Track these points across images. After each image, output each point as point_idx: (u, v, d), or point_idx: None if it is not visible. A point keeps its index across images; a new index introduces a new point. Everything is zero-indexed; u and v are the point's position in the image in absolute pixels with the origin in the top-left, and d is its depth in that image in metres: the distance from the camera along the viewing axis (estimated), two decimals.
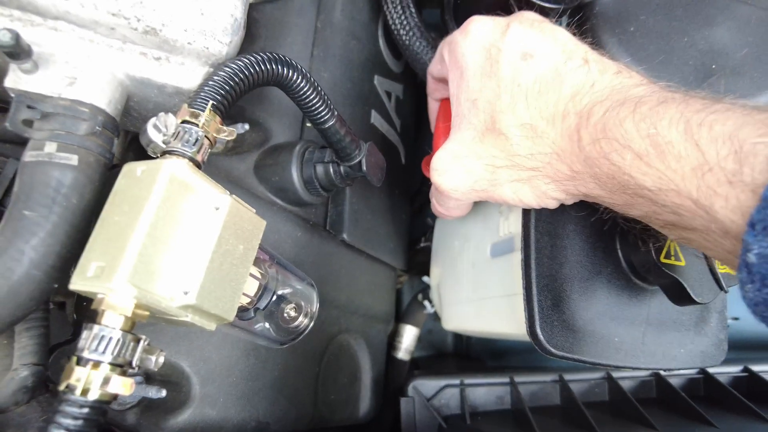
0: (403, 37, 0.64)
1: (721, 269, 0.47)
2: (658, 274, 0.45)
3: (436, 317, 0.78)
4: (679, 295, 0.45)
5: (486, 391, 0.63)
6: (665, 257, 0.44)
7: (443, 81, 0.52)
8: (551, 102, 0.37)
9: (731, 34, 0.57)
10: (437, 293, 0.74)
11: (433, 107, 0.59)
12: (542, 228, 0.47)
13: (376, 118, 0.68)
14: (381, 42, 0.72)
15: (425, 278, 0.79)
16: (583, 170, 0.35)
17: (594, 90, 0.35)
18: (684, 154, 0.29)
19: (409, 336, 0.82)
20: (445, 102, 0.58)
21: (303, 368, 0.55)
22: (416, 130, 0.81)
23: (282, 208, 0.55)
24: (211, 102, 0.36)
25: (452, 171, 0.43)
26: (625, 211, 0.36)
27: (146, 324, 0.45)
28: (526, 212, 0.47)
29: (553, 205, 0.42)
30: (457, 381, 0.62)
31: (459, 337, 0.97)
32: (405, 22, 0.64)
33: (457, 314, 0.67)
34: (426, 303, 0.79)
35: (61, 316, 0.52)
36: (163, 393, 0.44)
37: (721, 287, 0.45)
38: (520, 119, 0.38)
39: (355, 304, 0.64)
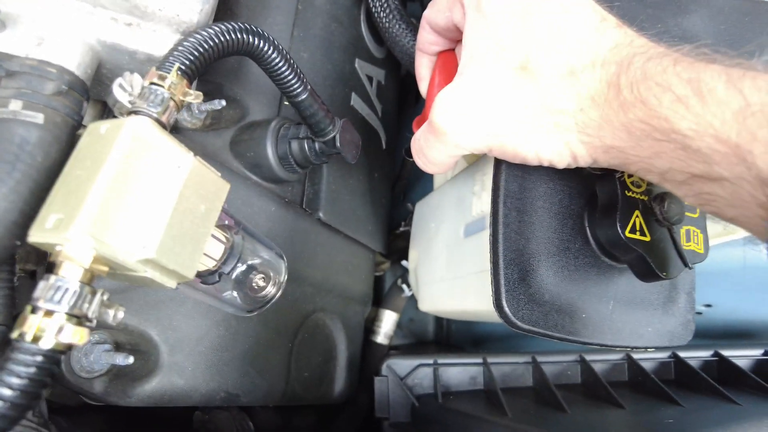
0: (383, 20, 0.65)
1: (686, 246, 0.47)
2: (624, 248, 0.45)
3: (415, 302, 0.78)
4: (644, 271, 0.46)
5: (459, 371, 0.63)
6: (630, 232, 0.45)
7: (445, 31, 0.49)
8: (591, 50, 0.36)
9: (704, 21, 0.58)
10: (414, 276, 0.74)
11: (423, 62, 0.55)
12: (511, 204, 0.48)
13: (356, 101, 0.69)
14: (363, 27, 0.73)
15: (404, 262, 0.79)
16: (615, 118, 0.34)
17: (633, 44, 0.35)
18: (726, 100, 0.29)
19: (388, 321, 0.82)
20: (445, 54, 0.54)
21: (275, 342, 0.56)
22: (398, 116, 0.82)
23: (256, 183, 0.55)
24: (177, 65, 0.37)
25: (462, 111, 0.39)
26: (647, 165, 0.35)
27: (115, 291, 0.46)
28: (496, 188, 0.48)
29: (565, 163, 0.40)
30: (430, 360, 0.63)
31: (439, 326, 0.97)
32: (386, 5, 0.64)
33: (432, 294, 0.67)
34: (404, 286, 0.80)
35: (32, 285, 0.52)
36: (131, 360, 0.44)
37: (685, 263, 0.46)
38: (558, 60, 0.37)
39: (330, 283, 0.64)
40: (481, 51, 0.39)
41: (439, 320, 1.00)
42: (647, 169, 0.35)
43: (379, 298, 0.86)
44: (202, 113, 0.53)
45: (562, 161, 0.40)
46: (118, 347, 0.47)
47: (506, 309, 0.45)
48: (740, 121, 0.28)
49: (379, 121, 0.75)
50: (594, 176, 0.48)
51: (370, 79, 0.73)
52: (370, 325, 0.83)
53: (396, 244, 0.82)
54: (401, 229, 0.81)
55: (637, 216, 0.45)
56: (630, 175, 0.46)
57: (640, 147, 0.34)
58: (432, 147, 0.43)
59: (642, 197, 0.46)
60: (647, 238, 0.45)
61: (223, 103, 0.50)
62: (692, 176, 0.32)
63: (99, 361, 0.45)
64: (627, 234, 0.45)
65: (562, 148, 0.38)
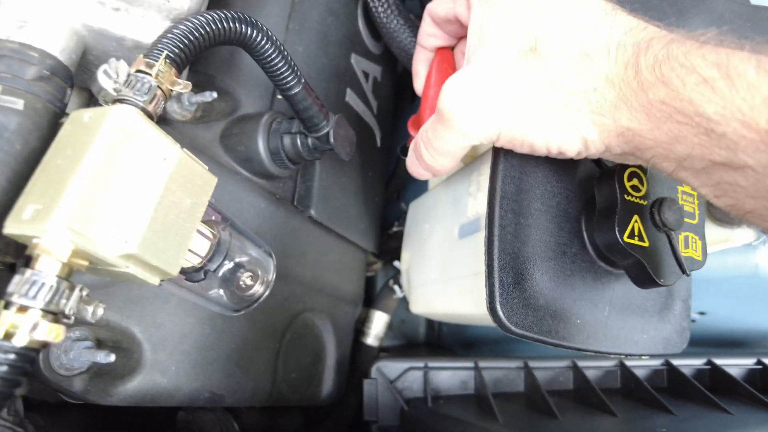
0: (381, 15, 0.63)
1: (684, 252, 0.46)
2: (622, 253, 0.44)
3: (406, 303, 0.77)
4: (642, 277, 0.45)
5: (450, 375, 0.62)
6: (629, 237, 0.44)
7: (444, 23, 0.48)
8: (604, 33, 0.35)
9: (706, 26, 0.57)
10: (406, 277, 0.73)
11: (420, 58, 0.54)
12: (507, 206, 0.46)
13: (351, 97, 0.68)
14: (360, 22, 0.71)
15: (396, 263, 0.78)
16: (634, 98, 0.33)
17: (648, 30, 0.34)
18: (756, 84, 0.27)
19: (379, 322, 0.81)
20: (443, 52, 0.54)
21: (262, 343, 0.54)
22: (394, 114, 0.81)
23: (246, 178, 0.54)
24: (166, 52, 0.35)
25: (469, 97, 0.37)
26: (664, 151, 0.33)
27: (97, 286, 0.44)
28: (492, 190, 0.47)
29: (575, 150, 0.38)
30: (421, 364, 0.62)
31: (431, 328, 0.96)
32: (383, 0, 0.63)
33: (424, 296, 0.66)
34: (396, 288, 0.79)
35: (11, 278, 0.50)
36: (112, 358, 0.43)
37: (683, 270, 0.45)
38: (569, 41, 0.35)
39: (321, 282, 0.63)
40: (488, 37, 0.38)
41: (430, 322, 0.99)
42: (664, 155, 0.33)
43: (370, 299, 0.85)
44: (192, 105, 0.51)
45: (571, 148, 0.38)
46: (100, 344, 0.46)
47: (500, 313, 0.44)
48: None
49: (375, 119, 0.73)
50: (593, 179, 0.47)
51: (366, 75, 0.72)
52: (360, 326, 0.81)
53: (388, 245, 0.81)
54: (394, 229, 0.80)
55: (635, 221, 0.45)
56: (629, 179, 0.45)
57: (660, 130, 0.32)
58: (440, 137, 0.41)
59: (641, 202, 0.45)
60: (645, 244, 0.44)
61: (215, 95, 0.49)
62: (713, 164, 0.31)
63: (79, 359, 0.43)
64: (625, 239, 0.44)
65: (571, 132, 0.37)
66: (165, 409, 0.51)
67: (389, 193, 0.80)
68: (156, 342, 0.45)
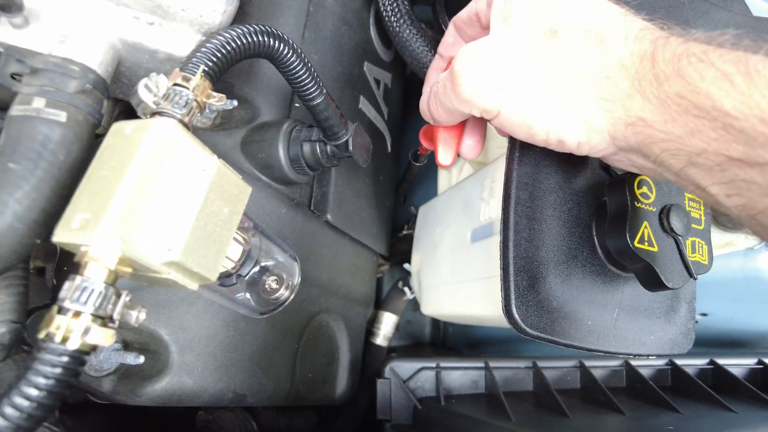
0: (393, 24, 0.65)
1: (692, 257, 0.48)
2: (632, 258, 0.46)
3: (415, 305, 0.79)
4: (651, 280, 0.47)
5: (461, 374, 0.64)
6: (639, 242, 0.46)
7: (466, 25, 0.48)
8: (622, 26, 0.35)
9: None
10: (417, 279, 0.75)
11: (435, 66, 0.54)
12: (521, 212, 0.48)
13: (364, 104, 0.69)
14: (372, 30, 0.73)
15: (406, 265, 0.79)
16: (649, 89, 0.33)
17: (664, 29, 0.34)
18: None
19: (388, 323, 0.83)
20: None
21: (282, 344, 0.56)
22: (403, 119, 0.82)
23: (267, 184, 0.55)
24: (202, 67, 0.37)
25: (481, 61, 0.38)
26: (676, 145, 0.32)
27: (127, 290, 0.46)
28: (507, 196, 0.48)
29: (575, 141, 0.37)
30: (433, 364, 0.63)
31: (436, 328, 0.98)
32: (396, 9, 0.65)
33: (435, 298, 0.68)
34: (406, 289, 0.80)
35: (40, 282, 0.51)
36: (141, 359, 0.44)
37: (690, 274, 0.47)
38: (588, 28, 0.36)
39: (336, 285, 0.65)
40: (512, 14, 0.38)
41: (435, 323, 1.00)
42: (674, 150, 0.33)
43: (378, 300, 0.87)
44: (212, 113, 0.52)
45: (571, 137, 0.37)
46: (127, 346, 0.47)
47: (516, 315, 0.46)
48: None
49: (385, 124, 0.75)
50: (602, 187, 0.48)
51: (377, 82, 0.73)
52: (369, 327, 0.83)
53: (398, 247, 0.83)
54: (404, 232, 0.81)
55: (645, 227, 0.46)
56: (639, 187, 0.46)
57: (674, 123, 0.32)
58: (446, 94, 0.41)
59: (650, 209, 0.47)
60: (655, 249, 0.46)
61: (235, 103, 0.50)
62: (729, 159, 0.30)
63: (109, 360, 0.45)
64: (636, 244, 0.46)
65: (574, 119, 0.36)
66: (185, 408, 0.53)
67: (398, 197, 0.82)
68: (183, 344, 0.47)
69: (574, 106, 0.36)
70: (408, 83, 0.86)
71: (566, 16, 0.37)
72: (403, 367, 0.64)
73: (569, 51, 0.36)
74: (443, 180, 0.75)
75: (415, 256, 0.76)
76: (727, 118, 0.29)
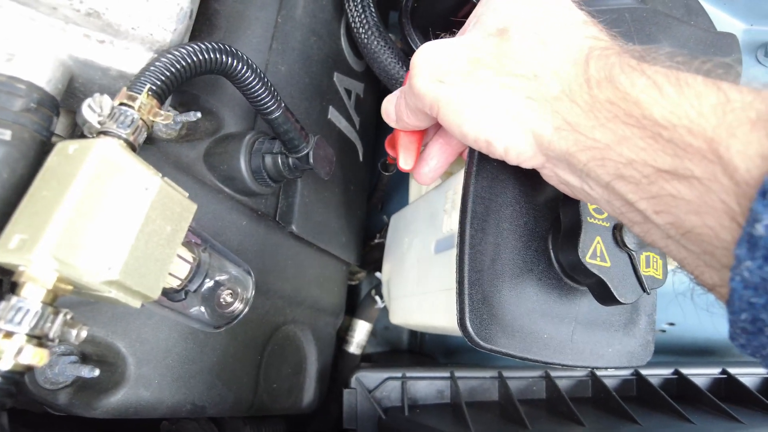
0: (362, 36, 0.65)
1: (645, 272, 0.49)
2: (584, 273, 0.47)
3: (387, 313, 0.79)
4: (604, 295, 0.47)
5: (427, 384, 0.64)
6: (591, 257, 0.46)
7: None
8: (569, 34, 0.35)
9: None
10: (387, 288, 0.75)
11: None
12: (477, 225, 0.49)
13: (333, 114, 0.70)
14: (343, 41, 0.73)
15: (378, 274, 0.80)
16: (578, 91, 0.32)
17: (610, 37, 0.35)
18: (705, 93, 0.27)
19: (361, 331, 0.83)
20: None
21: (243, 355, 0.56)
22: (376, 128, 0.83)
23: (229, 196, 0.55)
24: (148, 86, 0.37)
25: (431, 61, 0.39)
26: (603, 154, 0.32)
27: (83, 303, 0.46)
28: (463, 209, 0.49)
29: (503, 142, 0.37)
30: (399, 374, 0.64)
31: (413, 335, 0.98)
32: (364, 21, 0.65)
33: (402, 308, 0.68)
34: (377, 298, 0.81)
35: None
36: (96, 372, 0.45)
37: (644, 289, 0.48)
38: (536, 31, 0.36)
39: (301, 296, 0.65)
40: (481, 18, 0.39)
41: (412, 330, 1.01)
42: (601, 159, 0.32)
43: (355, 307, 0.87)
44: (177, 124, 0.53)
45: (499, 142, 0.37)
46: (85, 358, 0.47)
47: (469, 328, 0.46)
48: (719, 115, 0.26)
49: (357, 134, 0.75)
50: (558, 201, 0.49)
51: (348, 92, 0.74)
52: (343, 335, 0.83)
53: (371, 255, 0.83)
54: (376, 240, 0.82)
55: (598, 242, 0.47)
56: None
57: (603, 129, 0.31)
58: (407, 90, 0.42)
59: (604, 224, 0.47)
60: (607, 264, 0.47)
61: (199, 114, 0.50)
62: (657, 171, 0.29)
63: (64, 373, 0.45)
64: (587, 259, 0.46)
65: (502, 118, 0.36)
66: (148, 419, 0.53)
67: (372, 205, 0.82)
68: (140, 356, 0.47)
69: (502, 104, 0.36)
70: (382, 93, 0.86)
71: (521, 18, 0.37)
72: (370, 377, 0.64)
73: (511, 51, 0.36)
74: (414, 189, 0.76)
75: (386, 265, 0.77)
76: (656, 126, 0.28)
